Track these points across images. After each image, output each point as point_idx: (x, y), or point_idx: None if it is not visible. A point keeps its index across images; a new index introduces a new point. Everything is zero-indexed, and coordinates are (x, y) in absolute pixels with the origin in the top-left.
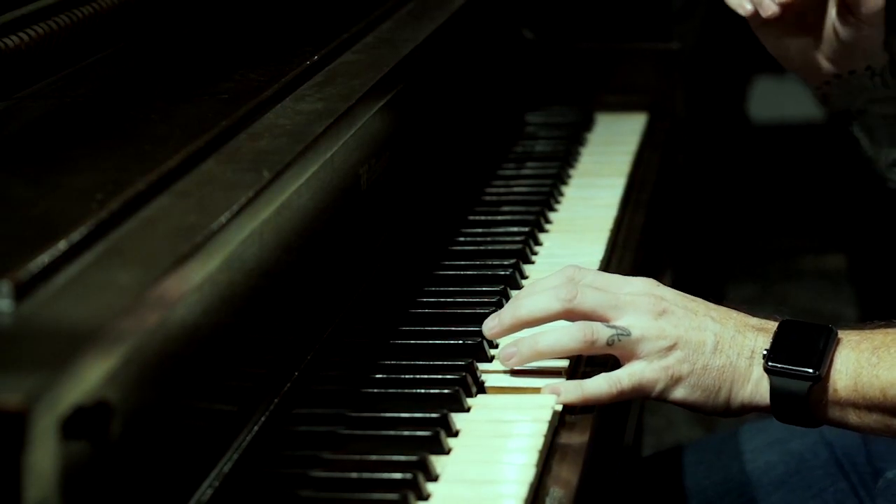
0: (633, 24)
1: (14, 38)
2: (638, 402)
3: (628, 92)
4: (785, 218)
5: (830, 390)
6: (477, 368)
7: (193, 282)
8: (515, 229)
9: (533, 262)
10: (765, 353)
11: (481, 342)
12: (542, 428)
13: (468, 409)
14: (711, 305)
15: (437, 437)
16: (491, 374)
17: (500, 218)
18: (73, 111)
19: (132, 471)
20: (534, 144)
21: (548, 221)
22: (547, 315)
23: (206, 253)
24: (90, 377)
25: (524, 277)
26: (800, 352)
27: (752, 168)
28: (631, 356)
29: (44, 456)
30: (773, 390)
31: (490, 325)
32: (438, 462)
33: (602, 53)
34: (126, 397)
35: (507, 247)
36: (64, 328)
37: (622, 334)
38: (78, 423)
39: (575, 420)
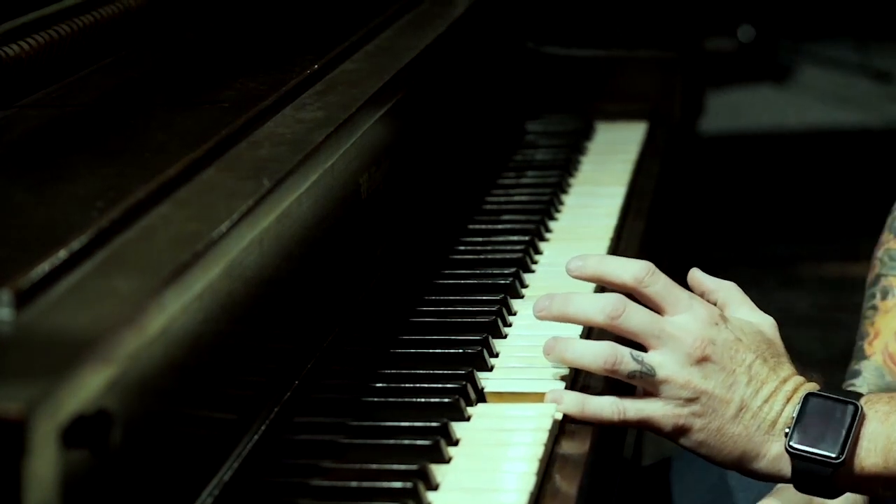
0: (633, 32)
1: (15, 46)
2: None
3: (628, 100)
4: (784, 225)
5: (857, 468)
6: (477, 377)
7: (194, 290)
8: (515, 238)
9: (533, 271)
10: (787, 431)
11: (481, 351)
12: (543, 437)
13: (468, 418)
14: (761, 355)
15: (437, 446)
16: (491, 382)
17: (500, 227)
18: (74, 120)
19: (132, 479)
20: (534, 153)
21: (548, 230)
22: (589, 323)
23: (206, 261)
24: (90, 386)
25: (524, 286)
26: (823, 433)
27: (752, 176)
28: (650, 392)
29: (44, 464)
30: (795, 472)
31: (539, 307)
32: (439, 471)
33: (602, 62)
34: (126, 406)
35: (508, 255)
36: (64, 336)
37: (646, 373)
38: (78, 432)
39: (575, 429)
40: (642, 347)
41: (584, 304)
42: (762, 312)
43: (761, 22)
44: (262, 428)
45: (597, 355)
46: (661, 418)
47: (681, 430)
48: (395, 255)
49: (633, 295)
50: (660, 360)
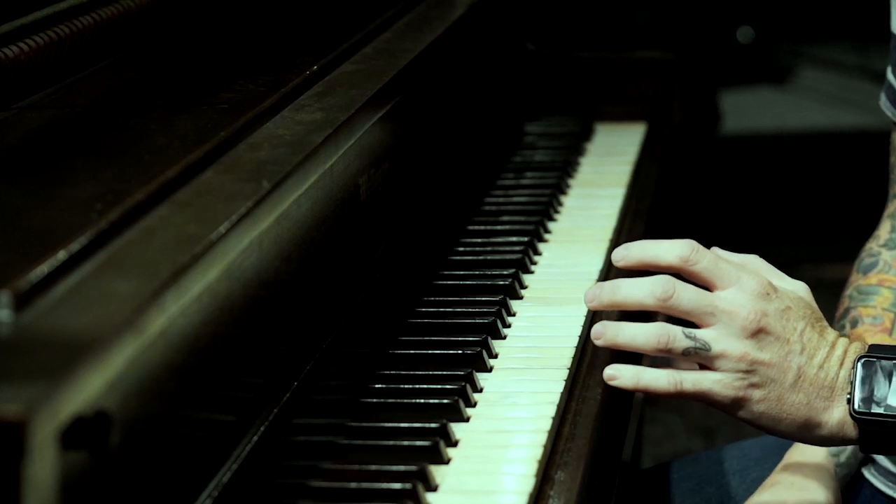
0: (632, 34)
1: (14, 48)
2: (637, 412)
3: (627, 102)
4: (784, 227)
5: None
6: (476, 378)
7: (193, 292)
8: (515, 239)
9: (532, 272)
10: (848, 397)
11: (480, 352)
12: (542, 438)
13: (467, 419)
14: (809, 321)
15: (436, 447)
16: (490, 383)
17: (499, 228)
18: (73, 121)
19: (131, 481)
20: (533, 154)
21: (547, 231)
22: (640, 307)
23: (205, 263)
24: (89, 387)
25: (523, 287)
26: (884, 394)
27: (751, 177)
28: (707, 367)
29: (43, 466)
30: (863, 434)
31: (590, 297)
32: (438, 472)
33: (601, 63)
34: (125, 407)
35: (507, 257)
36: (63, 338)
37: (700, 348)
38: (77, 434)
39: (575, 431)
40: (695, 325)
41: (632, 289)
42: (792, 279)
43: (761, 24)
44: (262, 429)
45: (649, 337)
46: (721, 391)
47: (740, 403)
48: (395, 256)
49: (679, 274)
50: (714, 335)
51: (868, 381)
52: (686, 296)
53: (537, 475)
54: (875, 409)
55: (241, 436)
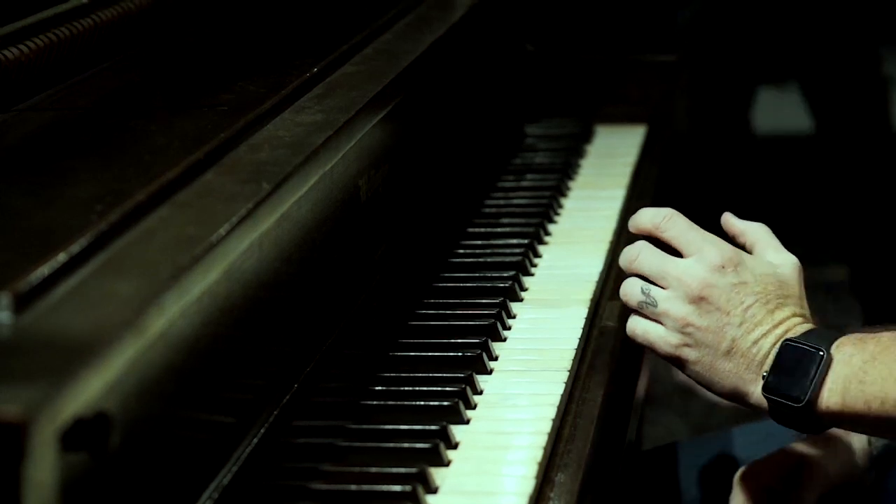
0: (633, 36)
1: (14, 49)
2: (637, 414)
3: (628, 104)
4: (784, 228)
5: (822, 408)
6: (476, 380)
7: (193, 293)
8: (515, 241)
9: (532, 275)
10: (764, 375)
11: (481, 354)
12: (542, 440)
13: (468, 421)
14: (763, 298)
15: (436, 449)
16: (490, 385)
17: (499, 230)
18: (74, 123)
19: (131, 483)
20: (533, 156)
21: (547, 233)
22: (624, 270)
23: (205, 264)
24: (90, 389)
25: (523, 289)
26: (792, 379)
27: (752, 179)
28: (657, 320)
29: (43, 467)
30: (772, 412)
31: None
32: (438, 474)
33: (602, 65)
34: (126, 409)
35: (507, 259)
36: (64, 340)
37: (649, 304)
38: (78, 435)
39: (574, 432)
40: None
41: (623, 253)
42: (787, 253)
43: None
44: (262, 431)
45: (621, 288)
46: (662, 346)
47: (678, 360)
48: (395, 258)
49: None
50: (665, 295)
51: (785, 363)
52: (646, 260)
53: (537, 477)
54: (778, 391)
55: (241, 438)
